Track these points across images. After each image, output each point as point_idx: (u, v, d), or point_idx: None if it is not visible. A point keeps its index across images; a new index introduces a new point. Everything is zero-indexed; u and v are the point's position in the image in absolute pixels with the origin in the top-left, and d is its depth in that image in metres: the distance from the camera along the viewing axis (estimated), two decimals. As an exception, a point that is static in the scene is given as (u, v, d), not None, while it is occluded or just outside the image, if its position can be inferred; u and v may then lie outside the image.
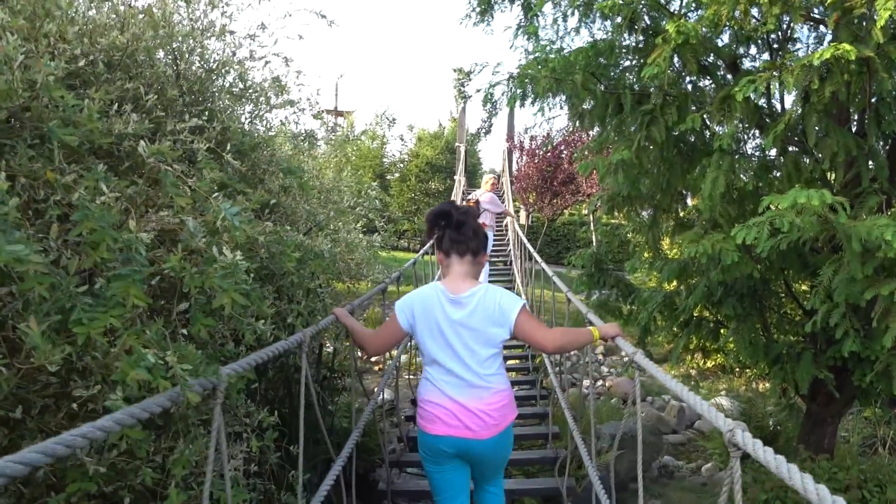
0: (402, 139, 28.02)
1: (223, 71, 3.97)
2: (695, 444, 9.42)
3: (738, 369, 13.33)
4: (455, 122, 29.26)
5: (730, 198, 3.84)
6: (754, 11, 3.52)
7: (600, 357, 13.64)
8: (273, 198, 3.44)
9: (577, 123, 5.04)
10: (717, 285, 4.30)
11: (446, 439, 2.55)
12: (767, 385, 13.44)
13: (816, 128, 3.21)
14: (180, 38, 3.42)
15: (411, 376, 9.22)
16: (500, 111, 4.43)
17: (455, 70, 38.58)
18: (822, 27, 4.52)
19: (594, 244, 20.85)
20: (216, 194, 2.15)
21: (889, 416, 8.81)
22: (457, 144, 26.14)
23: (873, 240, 2.57)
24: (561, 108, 4.91)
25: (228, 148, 3.06)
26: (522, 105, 4.24)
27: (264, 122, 4.23)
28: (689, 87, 4.35)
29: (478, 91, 4.37)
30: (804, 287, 5.59)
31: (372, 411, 4.27)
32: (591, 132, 18.14)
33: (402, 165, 27.61)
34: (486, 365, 2.55)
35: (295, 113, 5.12)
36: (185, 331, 2.18)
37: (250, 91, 4.07)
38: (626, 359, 3.02)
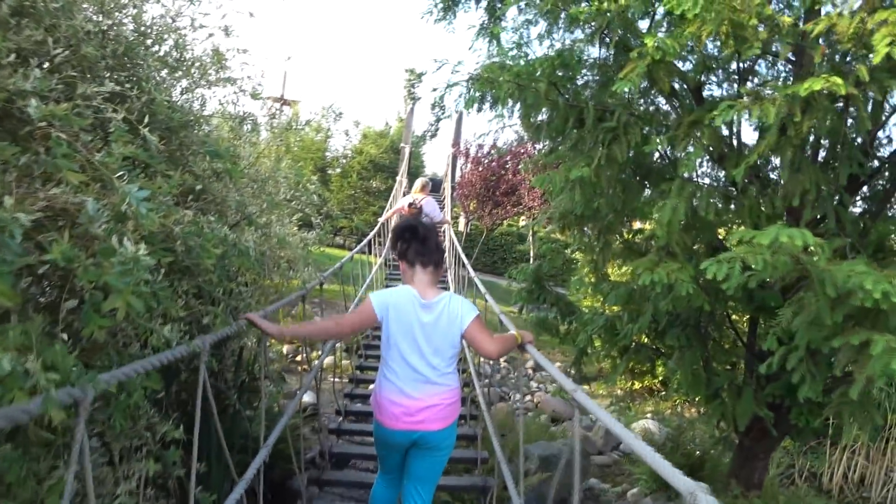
0: (346, 134, 27.45)
1: (159, 37, 3.60)
2: (621, 466, 9.39)
3: (662, 392, 13.52)
4: (402, 122, 28.95)
5: (686, 226, 3.70)
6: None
7: (530, 371, 13.56)
8: (200, 183, 3.09)
9: (532, 135, 4.85)
10: (663, 314, 4.17)
11: (402, 433, 2.82)
12: (694, 410, 13.70)
13: (790, 162, 3.09)
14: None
15: (337, 380, 8.89)
16: (453, 114, 4.17)
17: (407, 70, 38.30)
18: (779, 65, 4.50)
19: (532, 259, 20.86)
20: (123, 173, 1.80)
21: (806, 447, 8.98)
22: (402, 145, 25.85)
23: (848, 286, 2.45)
24: (513, 114, 4.72)
25: (149, 121, 2.71)
26: (480, 109, 4.00)
27: (200, 100, 3.87)
28: (652, 109, 4.22)
29: (433, 90, 4.11)
30: (736, 318, 5.57)
31: (287, 421, 3.97)
32: (538, 145, 18.06)
33: (344, 161, 27.07)
34: (446, 364, 2.85)
35: (236, 93, 4.75)
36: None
37: (188, 63, 3.71)
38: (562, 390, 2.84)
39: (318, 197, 5.72)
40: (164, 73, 3.41)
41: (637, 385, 12.83)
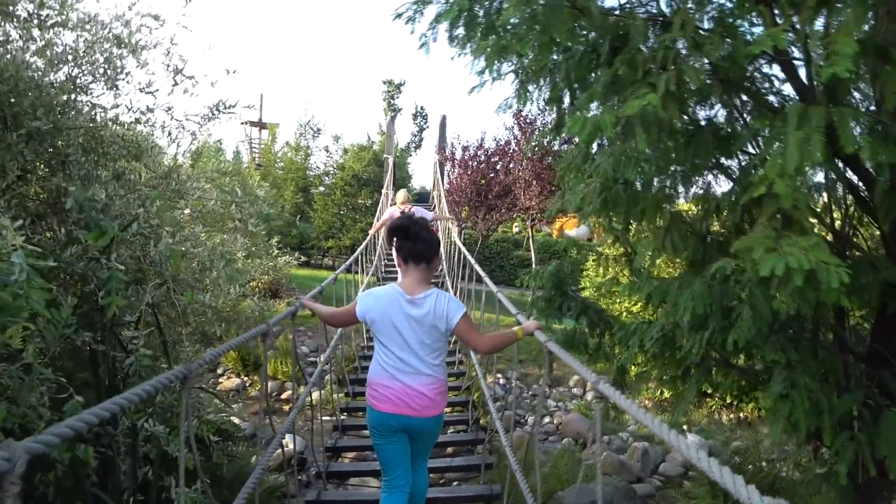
0: (327, 151, 26.13)
1: None
2: (665, 494, 8.02)
3: (696, 399, 12.13)
4: (384, 135, 27.72)
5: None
6: None
7: (546, 389, 12.11)
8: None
9: (544, 85, 3.53)
10: (766, 318, 2.81)
11: (395, 416, 3.01)
12: (732, 415, 12.30)
13: None
14: None
15: (326, 418, 7.51)
16: (434, 40, 2.81)
17: (385, 82, 37.22)
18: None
19: (534, 264, 19.49)
20: None
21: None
22: (385, 156, 24.57)
23: None
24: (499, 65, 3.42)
25: None
26: (469, 36, 2.64)
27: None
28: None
29: (398, 16, 2.74)
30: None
31: (256, 486, 2.69)
32: (532, 137, 16.63)
33: (327, 179, 25.75)
34: (433, 357, 3.04)
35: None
36: None
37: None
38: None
39: (266, 206, 4.36)
40: None
41: (668, 394, 11.42)
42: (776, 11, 2.65)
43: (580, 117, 2.41)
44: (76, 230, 2.53)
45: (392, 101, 37.12)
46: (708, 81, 3.11)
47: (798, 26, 2.10)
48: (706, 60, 2.42)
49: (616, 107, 2.51)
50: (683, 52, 2.76)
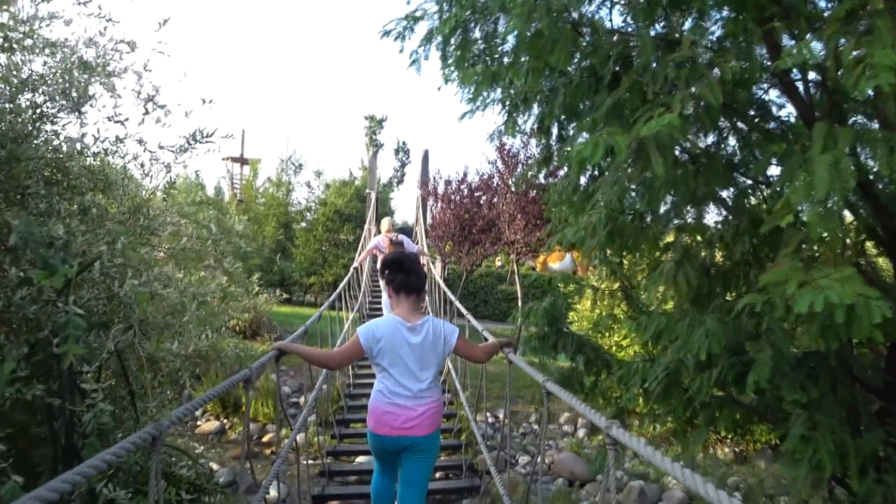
0: (308, 186, 25.91)
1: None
2: (664, 538, 7.69)
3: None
4: (366, 170, 27.62)
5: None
6: None
7: (535, 427, 11.81)
8: None
9: (534, 113, 3.36)
10: (788, 357, 2.61)
11: (394, 439, 3.25)
12: (727, 450, 12.01)
13: None
14: None
15: (310, 462, 7.15)
16: (426, 58, 2.63)
17: (366, 117, 37.25)
18: None
19: (519, 299, 19.22)
20: None
21: None
22: (367, 191, 24.41)
23: None
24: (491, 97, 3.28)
25: None
26: (465, 57, 2.46)
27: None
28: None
29: (385, 34, 2.55)
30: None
31: None
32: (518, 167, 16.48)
33: (309, 214, 25.48)
34: (430, 379, 3.31)
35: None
36: None
37: None
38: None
39: (242, 240, 4.12)
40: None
41: (663, 428, 11.13)
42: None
43: (592, 139, 2.20)
44: (30, 269, 2.28)
45: (374, 136, 37.16)
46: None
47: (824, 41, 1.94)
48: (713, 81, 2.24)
49: (605, 130, 2.32)
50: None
